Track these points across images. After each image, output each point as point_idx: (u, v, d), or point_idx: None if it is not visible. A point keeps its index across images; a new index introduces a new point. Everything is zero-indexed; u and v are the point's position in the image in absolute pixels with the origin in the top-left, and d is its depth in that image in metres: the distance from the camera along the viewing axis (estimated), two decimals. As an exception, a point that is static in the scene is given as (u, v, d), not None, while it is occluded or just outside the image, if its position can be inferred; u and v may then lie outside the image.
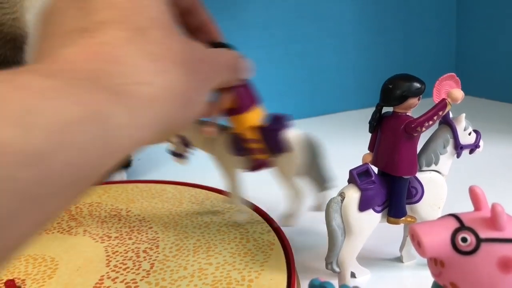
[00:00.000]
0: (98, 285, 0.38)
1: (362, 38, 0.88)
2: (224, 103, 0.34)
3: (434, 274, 0.27)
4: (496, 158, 0.63)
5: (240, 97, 0.35)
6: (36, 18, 0.47)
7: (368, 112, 0.36)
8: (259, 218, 0.46)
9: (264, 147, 0.38)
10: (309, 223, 0.44)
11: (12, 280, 0.38)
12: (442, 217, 0.27)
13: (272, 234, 0.43)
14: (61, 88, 0.16)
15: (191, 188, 0.56)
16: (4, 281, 0.38)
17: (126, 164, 0.62)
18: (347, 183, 0.36)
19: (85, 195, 0.54)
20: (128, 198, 0.54)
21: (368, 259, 0.40)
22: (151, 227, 0.47)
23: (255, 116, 0.37)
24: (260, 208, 0.48)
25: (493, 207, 0.24)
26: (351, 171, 0.35)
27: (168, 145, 0.44)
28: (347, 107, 0.85)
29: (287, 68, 0.85)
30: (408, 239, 0.39)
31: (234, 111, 0.36)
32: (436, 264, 0.26)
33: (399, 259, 0.41)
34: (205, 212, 0.49)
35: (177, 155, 0.44)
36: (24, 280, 0.39)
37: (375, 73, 0.86)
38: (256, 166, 0.39)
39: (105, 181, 0.59)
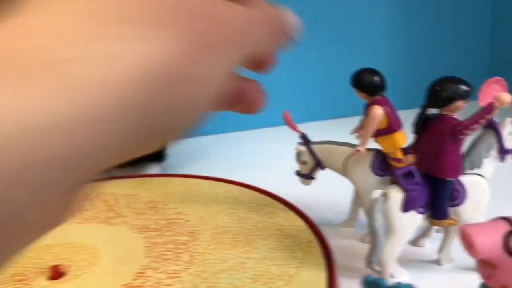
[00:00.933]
0: (140, 275, 0.39)
1: (394, 41, 0.88)
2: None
3: (484, 276, 0.27)
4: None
5: (389, 117, 0.36)
6: None
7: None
8: (295, 216, 0.47)
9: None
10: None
11: (57, 266, 0.40)
12: (493, 219, 0.27)
13: (309, 232, 0.43)
14: None
15: (225, 184, 0.56)
16: (50, 266, 0.40)
17: (160, 158, 0.63)
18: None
19: (122, 187, 0.55)
20: (164, 192, 0.55)
21: (406, 260, 0.40)
22: (188, 220, 0.48)
23: (403, 137, 0.37)
24: (295, 206, 0.48)
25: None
26: (396, 172, 0.36)
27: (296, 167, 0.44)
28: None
29: (318, 69, 0.85)
30: (448, 240, 0.39)
31: (385, 131, 0.37)
32: (486, 266, 0.27)
33: (436, 262, 0.41)
34: (241, 208, 0.50)
35: (305, 176, 0.44)
36: (68, 266, 0.40)
37: (406, 77, 0.86)
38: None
39: (140, 174, 0.60)
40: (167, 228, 0.46)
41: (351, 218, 0.46)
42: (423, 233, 0.43)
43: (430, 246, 0.42)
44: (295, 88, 0.85)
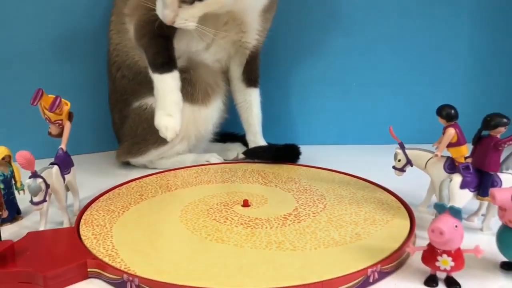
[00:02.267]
0: (295, 210, 0.65)
1: (468, 89, 1.10)
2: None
3: (499, 215, 0.51)
4: None
5: (458, 135, 0.61)
6: None
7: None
8: (389, 194, 0.72)
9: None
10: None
11: (246, 200, 0.67)
12: (508, 187, 0.51)
13: (398, 202, 0.68)
14: None
15: (339, 173, 0.83)
16: (242, 200, 0.68)
17: (295, 159, 0.91)
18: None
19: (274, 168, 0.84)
20: (297, 173, 0.82)
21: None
22: (317, 189, 0.74)
23: (466, 149, 0.62)
24: (389, 188, 0.73)
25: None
26: (458, 166, 0.60)
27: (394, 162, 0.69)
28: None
29: (413, 104, 1.09)
30: (489, 215, 0.62)
31: (455, 144, 0.62)
32: (501, 210, 0.50)
33: (480, 229, 0.64)
34: (351, 187, 0.75)
35: (398, 169, 0.68)
36: (251, 202, 0.68)
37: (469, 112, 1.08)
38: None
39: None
40: (304, 191, 0.73)
41: (426, 201, 0.70)
42: (474, 213, 0.66)
43: (478, 222, 0.65)
44: (395, 116, 1.09)
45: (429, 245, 0.50)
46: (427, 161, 0.66)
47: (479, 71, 1.09)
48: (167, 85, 0.82)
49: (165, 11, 0.75)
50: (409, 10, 1.05)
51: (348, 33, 1.07)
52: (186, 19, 0.76)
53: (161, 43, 0.83)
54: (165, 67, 0.82)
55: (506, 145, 0.58)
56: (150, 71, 0.83)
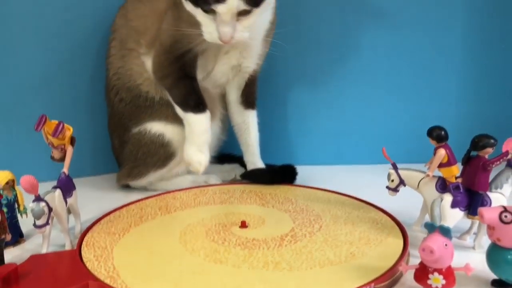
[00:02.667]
0: (291, 231, 0.67)
1: (461, 108, 1.12)
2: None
3: (488, 234, 0.53)
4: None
5: (448, 156, 0.63)
6: None
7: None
8: (383, 214, 0.73)
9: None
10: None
11: (244, 221, 0.69)
12: (496, 206, 0.53)
13: (392, 222, 0.70)
14: None
15: (334, 193, 0.84)
16: (239, 221, 0.69)
17: (292, 180, 0.93)
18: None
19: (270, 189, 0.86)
20: (293, 193, 0.84)
21: (455, 246, 0.65)
22: (313, 209, 0.76)
23: (457, 169, 0.64)
24: (383, 208, 0.75)
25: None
26: (448, 186, 0.62)
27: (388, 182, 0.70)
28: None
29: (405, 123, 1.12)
30: (480, 234, 0.64)
31: (445, 164, 0.63)
32: (490, 228, 0.52)
33: (472, 247, 0.65)
34: (346, 207, 0.77)
35: (392, 189, 0.70)
36: (249, 223, 0.70)
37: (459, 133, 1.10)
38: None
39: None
40: (301, 211, 0.75)
41: (419, 220, 0.72)
42: (466, 231, 0.68)
43: (470, 240, 0.67)
44: (389, 136, 1.11)
45: (421, 263, 0.52)
46: (420, 181, 0.68)
47: (472, 89, 1.12)
48: (202, 125, 0.86)
49: (224, 28, 0.73)
50: (401, 31, 1.08)
51: (342, 56, 1.10)
52: (242, 30, 0.76)
53: (189, 83, 0.86)
54: (199, 108, 0.85)
55: (494, 165, 0.60)
56: (179, 110, 0.86)
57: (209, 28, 0.76)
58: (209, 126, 0.87)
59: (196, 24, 0.78)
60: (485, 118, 1.12)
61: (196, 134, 0.86)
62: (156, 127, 0.90)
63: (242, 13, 0.74)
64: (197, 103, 0.85)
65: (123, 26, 0.94)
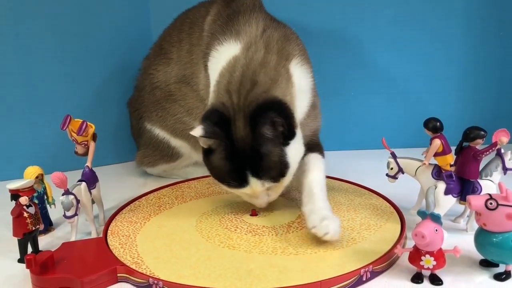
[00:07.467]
0: (297, 219, 0.73)
1: (461, 104, 1.17)
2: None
3: (476, 219, 0.58)
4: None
5: (443, 145, 0.67)
6: None
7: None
8: (383, 200, 0.79)
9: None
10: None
11: (253, 210, 0.75)
12: (484, 194, 0.58)
13: (391, 208, 0.75)
14: None
15: (338, 181, 0.90)
16: (250, 210, 0.75)
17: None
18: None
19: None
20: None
21: (449, 229, 0.70)
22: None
23: (451, 158, 0.68)
24: (383, 194, 0.80)
25: (506, 191, 0.55)
26: (442, 174, 0.67)
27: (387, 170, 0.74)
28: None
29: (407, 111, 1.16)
30: (472, 217, 0.69)
31: (440, 153, 0.68)
32: (477, 214, 0.58)
33: (465, 230, 0.71)
34: (349, 194, 0.82)
35: (391, 176, 0.74)
36: (258, 212, 0.76)
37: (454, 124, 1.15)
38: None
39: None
40: (307, 199, 0.80)
41: (417, 205, 0.77)
42: (460, 215, 0.73)
43: (463, 223, 0.72)
44: (392, 126, 1.16)
45: (414, 247, 0.58)
46: (417, 169, 0.73)
47: (471, 79, 1.16)
48: None
49: (257, 201, 0.72)
50: (401, 23, 1.12)
51: (345, 47, 1.14)
52: (276, 194, 0.73)
53: None
54: None
55: (484, 155, 0.65)
56: None
57: (245, 196, 0.74)
58: None
59: None
60: (484, 105, 1.16)
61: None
62: (163, 134, 0.97)
63: (270, 188, 0.71)
64: None
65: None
